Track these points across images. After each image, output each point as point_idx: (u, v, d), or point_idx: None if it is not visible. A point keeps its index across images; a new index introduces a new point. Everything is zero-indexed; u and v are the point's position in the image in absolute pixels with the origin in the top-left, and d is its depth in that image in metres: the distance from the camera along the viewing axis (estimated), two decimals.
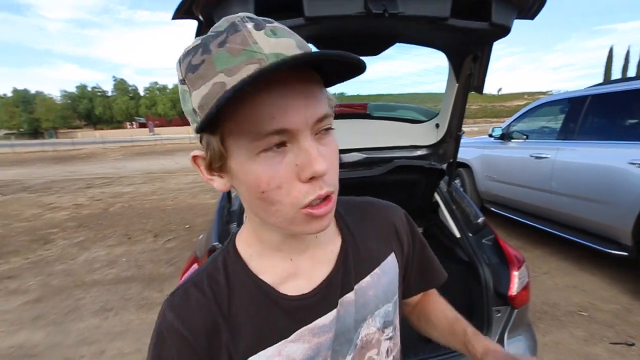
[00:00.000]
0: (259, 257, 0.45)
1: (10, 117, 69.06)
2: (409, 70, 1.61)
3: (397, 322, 0.54)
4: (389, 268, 0.53)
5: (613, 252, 2.60)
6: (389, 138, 1.57)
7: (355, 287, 0.48)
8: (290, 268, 0.46)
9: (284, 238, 0.45)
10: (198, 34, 0.98)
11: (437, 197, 1.66)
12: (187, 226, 5.04)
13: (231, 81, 0.32)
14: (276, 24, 0.36)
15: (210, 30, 0.36)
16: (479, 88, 1.32)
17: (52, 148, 27.87)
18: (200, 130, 0.35)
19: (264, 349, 0.42)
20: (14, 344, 2.38)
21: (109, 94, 69.61)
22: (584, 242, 2.85)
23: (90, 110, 67.14)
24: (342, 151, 1.52)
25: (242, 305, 0.43)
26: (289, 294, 0.44)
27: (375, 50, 1.21)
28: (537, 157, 3.30)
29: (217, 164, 0.38)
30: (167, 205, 6.46)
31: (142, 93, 67.71)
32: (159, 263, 3.72)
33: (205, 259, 1.20)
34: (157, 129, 46.91)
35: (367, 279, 0.50)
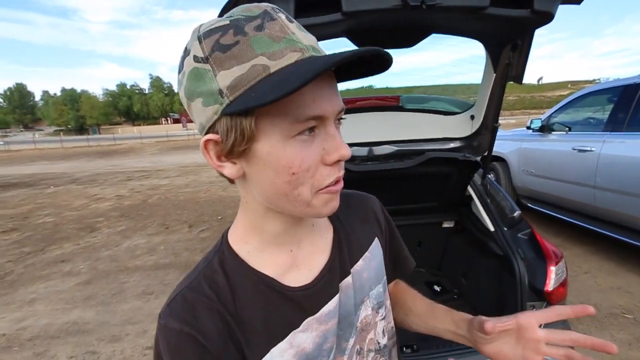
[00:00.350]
0: (257, 252, 0.45)
1: (59, 114, 74.69)
2: (441, 61, 1.58)
3: (387, 303, 0.56)
4: (376, 251, 0.55)
5: None
6: (421, 130, 1.56)
7: (352, 270, 0.50)
8: (291, 259, 0.46)
9: (286, 227, 0.44)
10: None
11: (471, 190, 1.62)
12: (220, 217, 5.25)
13: (275, 65, 0.33)
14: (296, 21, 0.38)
15: (236, 13, 0.35)
16: (518, 78, 1.27)
17: (96, 143, 29.88)
18: (232, 111, 0.34)
19: (275, 344, 0.42)
20: (69, 320, 2.62)
21: (146, 91, 73.19)
22: (631, 241, 2.67)
23: (129, 107, 71.02)
24: (374, 144, 1.52)
25: (248, 302, 0.42)
26: (293, 285, 0.44)
27: (411, 42, 1.20)
28: (580, 150, 3.10)
29: (240, 147, 0.36)
30: (200, 198, 6.75)
31: (176, 90, 70.75)
32: (194, 251, 3.92)
33: None
34: (189, 124, 48.81)
35: (360, 262, 0.52)
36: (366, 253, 0.53)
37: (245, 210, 0.45)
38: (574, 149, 3.16)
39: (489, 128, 1.48)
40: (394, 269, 0.62)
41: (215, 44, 0.34)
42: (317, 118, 0.36)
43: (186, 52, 0.37)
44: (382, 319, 0.54)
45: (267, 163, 0.37)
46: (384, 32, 1.07)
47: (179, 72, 0.38)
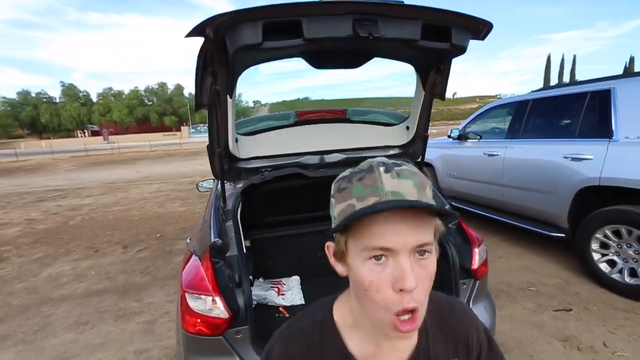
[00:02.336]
0: (351, 330, 0.55)
1: None
2: (378, 75, 1.82)
3: None
4: None
5: (553, 234, 3.01)
6: (366, 139, 1.77)
7: None
8: (373, 350, 0.54)
9: (375, 327, 0.51)
10: (202, 50, 1.09)
11: None
12: (158, 235, 4.92)
13: (359, 205, 0.44)
14: (404, 166, 0.46)
15: (356, 169, 0.48)
16: (441, 95, 1.55)
17: None
18: (334, 231, 0.47)
19: None
20: None
21: (57, 100, 64.27)
22: (531, 228, 3.25)
23: (34, 117, 61.51)
24: (324, 152, 1.68)
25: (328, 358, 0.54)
26: None
27: (356, 64, 1.39)
28: (489, 155, 3.69)
29: (339, 256, 0.50)
30: (134, 216, 6.22)
31: (94, 99, 62.99)
32: (132, 273, 3.63)
33: (207, 255, 1.30)
34: (112, 137, 43.98)
35: None
36: None
37: (352, 296, 0.54)
38: (485, 154, 3.74)
39: (421, 137, 1.74)
40: None
41: (338, 188, 0.48)
42: (384, 249, 0.43)
43: None
44: None
45: (352, 274, 0.48)
46: (334, 55, 1.24)
47: None
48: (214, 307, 1.20)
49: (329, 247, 0.52)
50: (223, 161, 1.42)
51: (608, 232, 2.60)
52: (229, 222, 1.46)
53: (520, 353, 2.02)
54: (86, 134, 59.19)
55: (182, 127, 51.51)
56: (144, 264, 3.87)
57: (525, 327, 2.26)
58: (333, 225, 0.48)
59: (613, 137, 2.58)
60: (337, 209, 0.47)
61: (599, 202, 2.65)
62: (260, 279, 2.02)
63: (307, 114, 1.69)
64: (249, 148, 1.59)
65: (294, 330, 0.57)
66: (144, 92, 60.67)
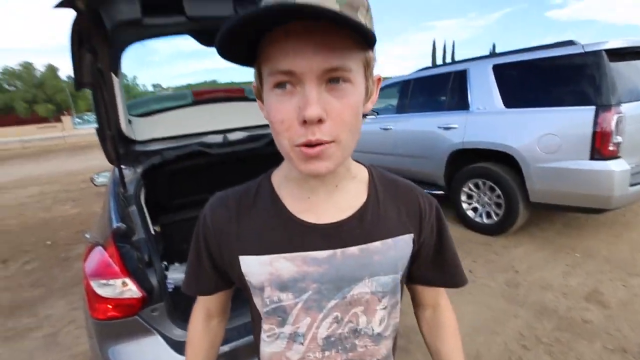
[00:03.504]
0: (285, 189, 0.52)
1: None
2: None
3: (398, 299, 0.56)
4: (403, 245, 0.53)
5: (435, 192, 3.64)
6: None
7: (363, 245, 0.50)
8: (306, 205, 0.50)
9: (306, 177, 0.48)
10: (75, 24, 1.04)
11: None
12: (48, 242, 4.28)
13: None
14: None
15: None
16: None
17: None
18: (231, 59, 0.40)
19: (260, 254, 0.49)
20: None
21: None
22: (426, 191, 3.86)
23: None
24: (227, 130, 1.74)
25: (258, 215, 0.51)
26: (300, 218, 0.49)
27: None
28: (384, 129, 4.18)
29: (259, 95, 0.45)
30: (9, 225, 5.23)
31: None
32: (19, 289, 3.15)
33: (111, 241, 1.28)
34: None
35: (378, 243, 0.50)
36: (389, 240, 0.51)
37: None
38: (381, 128, 4.22)
39: None
40: (439, 277, 0.61)
41: None
42: (287, 73, 0.37)
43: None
44: (383, 308, 0.53)
45: (266, 113, 0.43)
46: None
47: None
48: (125, 289, 1.22)
49: (254, 87, 0.46)
50: (117, 145, 1.37)
51: (471, 185, 3.28)
52: (132, 207, 1.44)
53: None
54: None
55: (62, 117, 43.13)
56: (34, 276, 3.37)
57: None
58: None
59: (469, 109, 3.22)
60: None
61: (465, 162, 3.31)
62: (176, 264, 2.02)
63: (204, 93, 1.71)
64: (146, 130, 1.55)
65: (226, 194, 0.56)
66: (1, 74, 48.41)
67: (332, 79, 0.38)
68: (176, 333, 1.28)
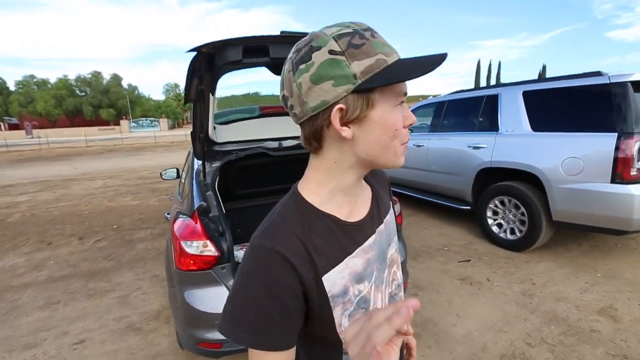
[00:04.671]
0: (327, 203, 0.56)
1: None
2: None
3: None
4: (392, 214, 0.71)
5: (462, 207, 3.84)
6: None
7: (384, 220, 0.65)
8: (349, 208, 0.59)
9: (355, 181, 0.57)
10: (194, 62, 1.50)
11: None
12: (115, 227, 4.99)
13: (389, 59, 0.47)
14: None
15: (350, 26, 0.48)
16: None
17: None
18: (364, 88, 0.46)
19: (337, 265, 0.55)
20: None
21: None
22: (447, 204, 4.08)
23: None
24: (282, 138, 2.17)
25: (319, 233, 0.54)
26: (350, 222, 0.58)
27: None
28: (417, 146, 4.46)
29: (361, 114, 0.48)
30: (82, 210, 6.09)
31: (12, 88, 54.95)
32: (95, 260, 3.77)
33: (195, 215, 1.72)
34: (37, 131, 39.10)
35: (387, 217, 0.67)
36: (389, 213, 0.69)
37: (327, 168, 0.55)
38: (414, 145, 4.51)
39: None
40: None
41: (349, 43, 0.46)
42: (405, 94, 0.51)
43: (313, 48, 0.47)
44: (403, 262, 0.82)
45: (378, 124, 0.50)
46: None
47: (302, 63, 0.47)
48: (205, 249, 1.65)
49: (338, 110, 0.48)
50: (204, 144, 1.84)
51: (497, 202, 3.46)
52: (209, 192, 1.89)
53: (432, 290, 2.72)
54: (2, 128, 51.76)
55: (121, 121, 47.40)
56: (106, 252, 4.00)
57: (437, 273, 2.99)
58: (352, 85, 0.46)
59: (499, 131, 3.43)
60: (361, 67, 0.46)
61: (492, 180, 3.50)
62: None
63: (268, 108, 2.16)
64: (224, 134, 2.02)
65: (285, 228, 0.52)
66: (74, 81, 54.31)
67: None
68: None
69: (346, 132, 0.50)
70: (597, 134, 2.66)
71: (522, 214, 3.18)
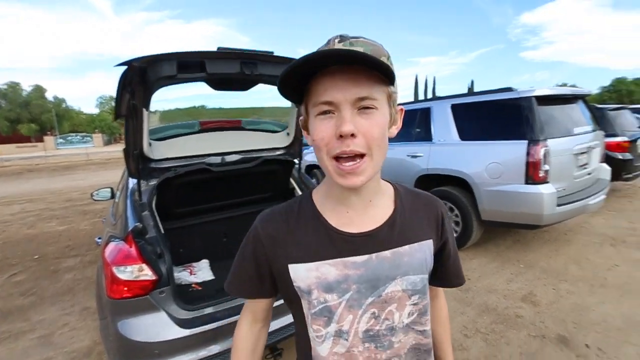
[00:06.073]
0: (326, 206, 0.60)
1: None
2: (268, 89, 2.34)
3: (427, 298, 0.62)
4: (426, 249, 0.61)
5: None
6: (258, 143, 2.28)
7: (394, 249, 0.57)
8: (346, 218, 0.58)
9: (345, 193, 0.57)
10: (125, 76, 1.43)
11: (293, 183, 2.47)
12: (36, 257, 4.40)
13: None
14: (361, 39, 0.50)
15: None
16: None
17: None
18: (282, 94, 0.53)
19: (307, 262, 0.56)
20: None
21: None
22: None
23: None
24: (225, 153, 2.13)
25: (304, 229, 0.59)
26: (341, 230, 0.57)
27: (246, 88, 1.89)
28: None
29: (305, 125, 0.55)
30: None
31: None
32: (10, 297, 3.29)
33: (130, 237, 1.61)
34: None
35: (406, 247, 0.58)
36: (415, 244, 0.59)
37: (325, 181, 0.61)
38: None
39: (298, 140, 2.36)
40: (445, 277, 0.69)
41: None
42: (328, 103, 0.48)
43: None
44: (413, 304, 0.60)
45: (310, 133, 0.54)
46: (229, 82, 1.72)
47: None
48: (141, 273, 1.54)
49: (302, 120, 0.57)
50: (139, 162, 1.73)
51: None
52: (146, 212, 1.78)
53: None
54: None
55: (45, 137, 42.33)
56: (24, 287, 3.51)
57: None
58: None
59: (433, 141, 3.74)
60: None
61: (430, 186, 3.77)
62: (173, 266, 2.32)
63: (209, 123, 2.12)
64: (161, 151, 1.92)
65: (273, 211, 0.64)
66: None
67: (362, 106, 0.49)
68: (179, 311, 1.59)
69: (308, 139, 0.55)
70: (511, 142, 3.03)
71: (456, 215, 3.47)
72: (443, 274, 0.69)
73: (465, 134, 3.46)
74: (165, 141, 1.98)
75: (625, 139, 4.92)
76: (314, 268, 0.56)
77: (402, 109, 0.61)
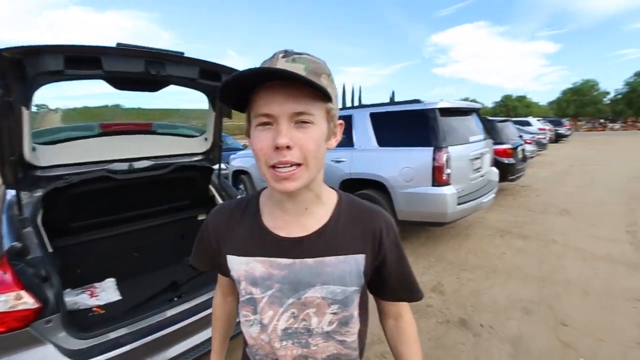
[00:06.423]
0: (266, 207, 0.65)
1: None
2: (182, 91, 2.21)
3: (352, 312, 0.63)
4: (353, 263, 0.61)
5: None
6: (172, 148, 2.12)
7: (318, 258, 0.60)
8: (280, 222, 0.62)
9: (282, 198, 0.61)
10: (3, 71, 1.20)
11: (212, 190, 2.36)
12: None
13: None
14: (305, 55, 0.53)
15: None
16: (229, 115, 2.12)
17: None
18: (222, 103, 0.65)
19: (241, 256, 0.63)
20: None
21: None
22: None
23: None
24: (133, 159, 1.93)
25: (244, 225, 0.65)
26: (273, 232, 0.62)
27: (155, 89, 1.75)
28: None
29: (247, 132, 0.58)
30: None
31: None
32: None
33: (4, 260, 1.35)
34: None
35: (331, 258, 0.60)
36: (341, 256, 0.61)
37: None
38: None
39: (217, 146, 2.26)
40: (398, 292, 0.69)
41: None
42: (267, 115, 0.52)
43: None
44: (334, 314, 0.62)
45: (251, 142, 0.56)
46: (139, 81, 1.57)
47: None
48: (19, 302, 1.30)
49: (246, 127, 0.60)
50: (17, 170, 1.46)
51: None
52: (28, 228, 1.51)
53: None
54: None
55: None
56: None
57: None
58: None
59: (354, 146, 3.95)
60: None
61: (353, 189, 3.96)
62: (68, 289, 2.01)
63: (112, 126, 1.90)
64: (50, 157, 1.65)
65: (224, 205, 0.72)
66: None
67: (299, 121, 0.52)
68: (71, 341, 1.38)
69: (250, 144, 0.58)
70: (420, 148, 3.37)
71: None
72: (390, 289, 0.68)
73: (382, 140, 3.74)
74: (55, 145, 1.71)
75: (509, 146, 5.87)
76: (244, 262, 0.63)
77: (342, 123, 0.63)
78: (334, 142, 0.62)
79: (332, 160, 4.10)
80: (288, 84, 0.51)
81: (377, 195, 3.68)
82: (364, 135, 3.89)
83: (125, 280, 2.16)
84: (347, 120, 4.12)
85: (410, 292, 0.70)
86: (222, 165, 4.20)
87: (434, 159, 3.23)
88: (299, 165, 0.53)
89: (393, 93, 75.12)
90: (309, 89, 0.51)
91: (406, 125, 3.58)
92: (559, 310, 2.46)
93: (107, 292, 2.04)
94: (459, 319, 2.41)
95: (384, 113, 3.82)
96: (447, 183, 3.26)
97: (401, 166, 3.45)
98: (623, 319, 2.31)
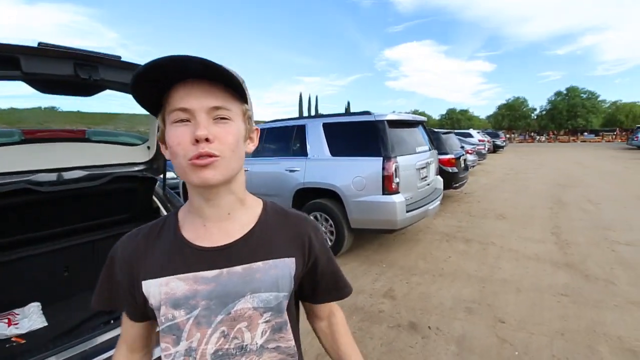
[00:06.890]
0: (186, 220, 0.61)
1: None
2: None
3: (286, 319, 0.61)
4: (284, 266, 0.59)
5: None
6: (110, 157, 1.95)
7: (246, 265, 0.57)
8: (202, 231, 0.58)
9: (201, 203, 0.57)
10: None
11: (157, 201, 2.22)
12: None
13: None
14: (223, 67, 0.50)
15: None
16: None
17: None
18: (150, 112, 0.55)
19: (158, 277, 0.56)
20: None
21: None
22: None
23: None
24: (63, 169, 1.74)
25: (162, 247, 0.59)
26: (194, 244, 0.58)
27: (90, 94, 1.61)
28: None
29: (163, 139, 0.56)
30: None
31: None
32: None
33: None
34: None
35: (260, 263, 0.58)
36: (270, 261, 0.59)
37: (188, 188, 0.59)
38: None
39: (161, 155, 2.13)
40: (331, 292, 0.71)
41: None
42: (184, 110, 0.50)
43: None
44: (265, 322, 0.58)
45: (167, 142, 0.54)
46: (68, 85, 1.43)
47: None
48: None
49: (161, 131, 0.57)
50: None
51: (312, 218, 3.94)
52: None
53: None
54: None
55: None
56: None
57: None
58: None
59: (308, 156, 3.98)
60: None
61: (307, 199, 3.98)
62: None
63: (38, 132, 1.70)
64: None
65: (135, 232, 0.63)
66: None
67: (218, 116, 0.52)
68: None
69: (165, 152, 0.56)
70: (371, 158, 3.50)
71: (331, 225, 3.75)
72: (322, 290, 0.69)
73: (335, 150, 3.82)
74: None
75: (453, 156, 6.32)
76: (164, 283, 0.56)
77: (257, 129, 0.64)
78: (252, 147, 0.62)
79: (286, 170, 4.09)
80: (204, 81, 0.51)
81: (331, 204, 3.72)
82: (317, 145, 3.94)
83: (53, 304, 1.92)
84: (301, 130, 4.16)
85: (341, 290, 0.72)
86: (173, 175, 4.00)
87: (383, 169, 3.37)
88: (217, 157, 0.52)
89: (348, 103, 77.71)
90: (225, 88, 0.53)
91: (357, 136, 3.70)
92: (497, 308, 2.66)
93: (30, 318, 1.80)
94: (409, 322, 2.50)
95: (336, 124, 3.91)
96: (396, 191, 3.40)
97: (353, 175, 3.54)
98: (549, 313, 2.57)
